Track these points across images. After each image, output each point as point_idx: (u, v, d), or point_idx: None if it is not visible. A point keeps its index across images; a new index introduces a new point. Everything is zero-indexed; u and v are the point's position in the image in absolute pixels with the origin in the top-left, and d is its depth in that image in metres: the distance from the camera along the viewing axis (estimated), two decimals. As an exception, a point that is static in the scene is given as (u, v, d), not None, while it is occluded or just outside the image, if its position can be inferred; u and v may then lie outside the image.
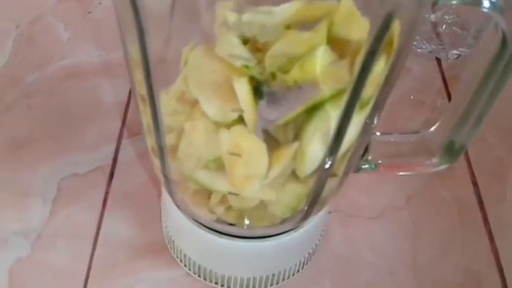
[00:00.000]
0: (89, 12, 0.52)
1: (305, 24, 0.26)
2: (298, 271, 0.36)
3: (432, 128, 0.31)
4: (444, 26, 0.52)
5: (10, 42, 0.50)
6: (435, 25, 0.52)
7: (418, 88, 0.49)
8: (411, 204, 0.41)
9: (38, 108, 0.45)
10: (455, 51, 0.51)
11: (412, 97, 0.49)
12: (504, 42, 0.26)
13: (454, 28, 0.51)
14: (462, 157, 0.44)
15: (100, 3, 0.53)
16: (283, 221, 0.32)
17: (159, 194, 0.37)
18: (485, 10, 0.25)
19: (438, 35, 0.52)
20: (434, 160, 0.31)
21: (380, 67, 0.25)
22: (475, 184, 0.43)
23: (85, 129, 0.43)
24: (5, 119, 0.44)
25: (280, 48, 0.25)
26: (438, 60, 0.51)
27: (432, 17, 0.51)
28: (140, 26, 0.24)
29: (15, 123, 0.44)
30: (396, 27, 0.23)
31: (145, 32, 0.25)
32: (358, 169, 0.32)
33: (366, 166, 0.32)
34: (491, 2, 0.25)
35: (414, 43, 0.51)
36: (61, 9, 0.52)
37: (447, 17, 0.51)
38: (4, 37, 0.50)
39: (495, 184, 0.43)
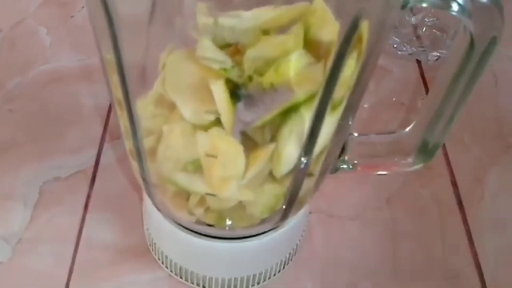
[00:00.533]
0: (72, 17, 0.52)
1: (283, 28, 0.26)
2: (279, 271, 0.36)
3: (407, 129, 0.32)
4: (424, 28, 0.52)
5: None
6: (415, 27, 0.53)
7: (399, 90, 0.49)
8: (391, 204, 0.41)
9: (20, 112, 0.45)
10: (435, 53, 0.52)
11: (394, 99, 0.49)
12: (472, 44, 0.27)
13: (434, 30, 0.52)
14: (441, 157, 0.44)
15: (83, 7, 0.53)
16: (262, 221, 0.32)
17: (141, 197, 0.37)
18: (453, 13, 0.25)
19: (418, 37, 0.52)
20: (409, 159, 0.32)
21: (350, 68, 0.26)
22: (454, 184, 0.43)
23: (67, 133, 0.43)
24: None
25: (256, 52, 0.26)
26: (419, 62, 0.52)
27: (413, 19, 0.52)
28: (113, 31, 0.25)
29: None
30: (364, 28, 0.24)
31: (119, 39, 0.25)
32: (335, 169, 0.33)
33: (344, 166, 0.33)
34: (459, 5, 0.25)
35: (395, 45, 0.51)
36: (43, 14, 0.52)
37: (427, 20, 0.52)
38: None
39: (474, 184, 0.43)
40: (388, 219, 0.41)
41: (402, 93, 0.49)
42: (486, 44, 0.27)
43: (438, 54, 0.52)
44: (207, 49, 0.25)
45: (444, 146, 0.45)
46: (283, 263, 0.36)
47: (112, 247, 0.38)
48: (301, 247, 0.38)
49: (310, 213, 0.39)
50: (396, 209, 0.41)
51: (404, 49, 0.51)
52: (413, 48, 0.51)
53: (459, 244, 0.40)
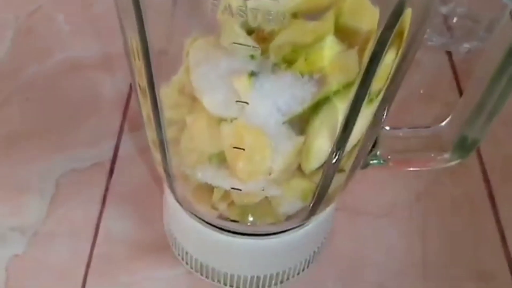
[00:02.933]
0: (91, 5, 0.51)
1: (312, 13, 0.25)
2: (303, 269, 0.35)
3: (443, 123, 0.30)
4: (456, 18, 0.50)
5: (9, 34, 0.49)
6: (446, 17, 0.51)
7: (428, 83, 0.48)
8: (421, 202, 0.40)
9: (37, 102, 0.44)
10: (466, 45, 0.50)
11: (421, 91, 0.48)
12: None
13: (465, 20, 0.50)
14: (473, 154, 0.43)
15: (103, -5, 0.52)
16: (288, 218, 0.31)
17: (161, 191, 0.36)
18: None
19: (449, 28, 0.51)
20: (446, 155, 0.30)
21: (390, 58, 0.24)
22: (486, 181, 0.42)
23: (85, 124, 0.43)
24: (3, 112, 0.43)
25: (285, 38, 0.24)
26: (449, 53, 0.51)
27: (443, 9, 0.50)
28: (140, 13, 0.23)
29: (13, 117, 0.43)
30: (407, 16, 0.22)
31: (145, 20, 0.24)
32: (366, 165, 0.31)
33: (375, 161, 0.31)
34: None
35: (425, 35, 0.50)
36: (62, 1, 0.52)
37: (459, 9, 0.50)
38: (3, 29, 0.49)
39: (507, 181, 0.42)
40: (418, 217, 0.39)
41: (431, 86, 0.48)
42: None
43: (469, 46, 0.50)
44: (237, 34, 0.23)
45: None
46: (307, 262, 0.35)
47: (130, 241, 0.37)
48: (326, 245, 0.36)
49: (336, 209, 0.37)
50: (426, 206, 0.40)
51: (434, 39, 0.50)
52: (443, 39, 0.50)
53: (492, 243, 0.38)
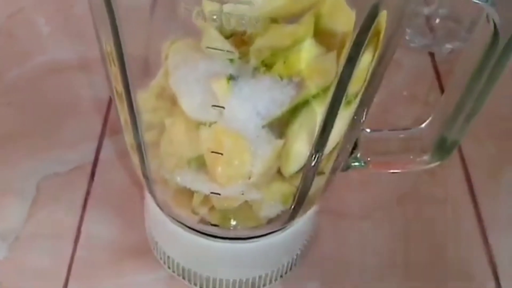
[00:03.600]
0: (71, 6, 0.51)
1: (291, 17, 0.25)
2: (285, 272, 0.35)
3: (423, 125, 0.30)
4: (438, 19, 0.51)
5: None
6: (428, 18, 0.51)
7: (410, 83, 0.48)
8: (403, 202, 0.40)
9: (18, 105, 0.44)
10: (448, 45, 0.50)
11: (404, 92, 0.48)
12: (495, 34, 0.25)
13: (447, 21, 0.51)
14: (455, 154, 0.43)
15: (83, -3, 0.52)
16: (269, 222, 0.31)
17: (142, 194, 0.36)
18: (476, 1, 0.24)
19: (431, 29, 0.51)
20: (425, 157, 0.31)
21: (367, 61, 0.24)
22: (468, 181, 0.42)
23: (66, 127, 0.42)
24: None
25: (264, 41, 0.24)
26: (432, 54, 0.51)
27: (425, 10, 0.51)
28: (114, 19, 0.23)
29: None
30: (383, 18, 0.22)
31: (119, 26, 0.24)
32: (347, 167, 0.31)
33: (356, 163, 0.31)
34: None
35: (407, 37, 0.50)
36: (43, 3, 0.51)
37: (441, 10, 0.50)
38: None
39: (489, 180, 0.42)
40: (400, 218, 0.39)
41: (414, 87, 0.48)
42: (511, 34, 0.25)
43: (452, 46, 0.50)
44: (215, 39, 0.23)
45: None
46: (290, 265, 0.35)
47: (112, 245, 0.37)
48: (309, 248, 0.36)
49: (319, 212, 0.37)
50: (408, 207, 0.40)
51: (416, 41, 0.50)
52: (425, 40, 0.50)
53: (474, 243, 0.39)
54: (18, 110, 0.43)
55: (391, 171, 0.32)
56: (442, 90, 0.48)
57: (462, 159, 0.43)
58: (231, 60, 0.24)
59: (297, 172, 0.27)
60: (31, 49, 0.48)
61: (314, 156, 0.27)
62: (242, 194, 0.28)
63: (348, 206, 0.39)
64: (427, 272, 0.37)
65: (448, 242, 0.38)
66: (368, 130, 0.31)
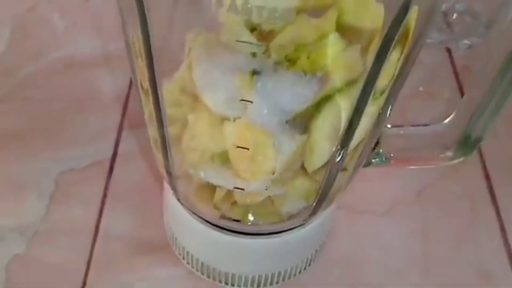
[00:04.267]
0: (86, 1, 0.51)
1: (316, 10, 0.25)
2: (304, 268, 0.35)
3: (446, 120, 0.30)
4: (455, 15, 0.50)
5: (5, 33, 0.48)
6: (445, 14, 0.51)
7: (428, 80, 0.47)
8: (422, 199, 0.40)
9: (34, 100, 0.44)
10: (466, 41, 0.50)
11: (421, 88, 0.47)
12: None
13: (464, 17, 0.50)
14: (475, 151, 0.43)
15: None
16: (290, 218, 0.30)
17: (161, 189, 0.36)
18: None
19: (448, 24, 0.50)
20: (448, 153, 0.30)
21: (396, 56, 0.24)
22: (487, 177, 0.42)
23: (84, 122, 0.42)
24: (0, 111, 0.43)
25: (287, 36, 0.24)
26: (449, 50, 0.50)
27: (443, 5, 0.50)
28: (143, 11, 0.23)
29: (10, 116, 0.43)
30: (413, 14, 0.22)
31: (147, 18, 0.23)
32: (368, 163, 0.31)
33: (377, 159, 0.31)
34: None
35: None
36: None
37: (458, 6, 0.50)
38: None
39: (508, 177, 0.42)
40: (419, 215, 0.39)
41: (431, 83, 0.48)
42: None
43: (469, 42, 0.50)
44: (241, 32, 0.23)
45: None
46: (309, 261, 0.35)
47: (131, 240, 0.37)
48: (327, 244, 0.36)
49: (337, 208, 0.37)
50: (427, 204, 0.40)
51: (433, 36, 0.50)
52: (443, 36, 0.49)
53: (493, 240, 0.38)
54: (34, 105, 0.44)
55: (412, 167, 0.32)
56: (459, 86, 0.48)
57: (481, 154, 0.43)
58: (254, 54, 0.24)
59: (321, 168, 0.27)
60: (46, 44, 0.48)
61: (339, 152, 0.27)
62: (266, 189, 0.28)
63: (366, 202, 0.39)
64: (445, 269, 0.37)
65: (467, 239, 0.38)
66: (389, 126, 0.31)
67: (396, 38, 0.22)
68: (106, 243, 0.36)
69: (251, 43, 0.23)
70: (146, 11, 0.23)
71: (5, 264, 0.35)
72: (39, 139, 0.41)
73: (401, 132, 0.31)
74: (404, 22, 0.22)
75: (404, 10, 0.21)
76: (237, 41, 0.23)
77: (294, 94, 0.25)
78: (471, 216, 0.39)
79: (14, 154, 0.40)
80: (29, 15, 0.50)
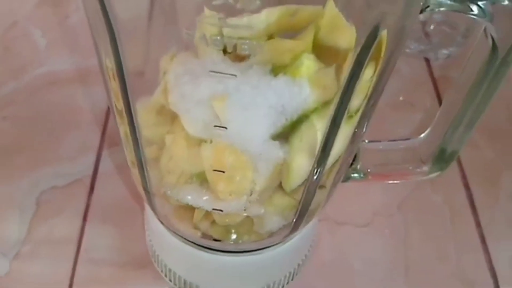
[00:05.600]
0: (67, 17, 0.51)
1: (288, 32, 0.25)
2: (287, 283, 0.35)
3: (422, 135, 0.31)
4: (433, 25, 0.51)
5: None
6: (423, 24, 0.51)
7: (406, 90, 0.48)
8: (402, 210, 0.40)
9: (15, 119, 0.44)
10: (444, 51, 0.51)
11: (401, 98, 0.48)
12: (494, 49, 0.25)
13: (443, 27, 0.51)
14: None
15: (78, 7, 0.52)
16: (270, 235, 0.31)
17: (142, 207, 0.36)
18: (474, 17, 0.25)
19: (426, 34, 0.51)
20: (425, 167, 0.31)
21: (368, 75, 0.24)
22: (467, 187, 0.42)
23: (64, 140, 0.42)
24: None
25: (263, 57, 0.24)
26: (427, 60, 0.51)
27: (421, 16, 0.51)
28: (113, 35, 0.23)
29: None
30: (384, 36, 0.23)
31: (119, 42, 0.23)
32: (347, 178, 0.32)
33: (355, 175, 0.31)
34: (480, 9, 0.24)
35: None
36: (38, 15, 0.51)
37: (436, 16, 0.50)
38: None
39: (487, 187, 0.42)
40: (400, 226, 0.40)
41: (410, 93, 0.48)
42: (509, 48, 0.25)
43: (447, 52, 0.50)
44: (216, 62, 0.23)
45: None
46: (291, 275, 0.35)
47: (113, 258, 0.37)
48: (310, 257, 0.36)
49: (319, 220, 0.37)
50: (407, 214, 0.40)
51: (412, 46, 0.50)
52: (421, 46, 0.50)
53: (473, 249, 0.39)
54: (15, 124, 0.44)
55: (391, 182, 0.33)
56: (438, 96, 0.49)
57: (460, 164, 0.43)
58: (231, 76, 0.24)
59: (299, 187, 0.28)
60: (27, 62, 0.48)
61: (315, 170, 0.27)
62: (244, 210, 0.28)
63: (347, 214, 0.40)
64: (427, 278, 0.37)
65: (447, 249, 0.39)
66: (366, 141, 0.31)
67: (367, 59, 0.23)
68: (88, 262, 0.36)
69: (226, 74, 0.23)
70: (117, 37, 0.23)
71: (-13, 285, 0.35)
72: (19, 158, 0.41)
73: (379, 147, 0.32)
74: (374, 44, 0.22)
75: (374, 35, 0.22)
76: (213, 71, 0.23)
77: (272, 114, 0.25)
78: (451, 226, 0.40)
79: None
80: (9, 32, 0.50)
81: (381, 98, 0.31)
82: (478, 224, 0.40)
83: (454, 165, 0.43)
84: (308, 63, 0.25)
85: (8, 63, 0.48)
